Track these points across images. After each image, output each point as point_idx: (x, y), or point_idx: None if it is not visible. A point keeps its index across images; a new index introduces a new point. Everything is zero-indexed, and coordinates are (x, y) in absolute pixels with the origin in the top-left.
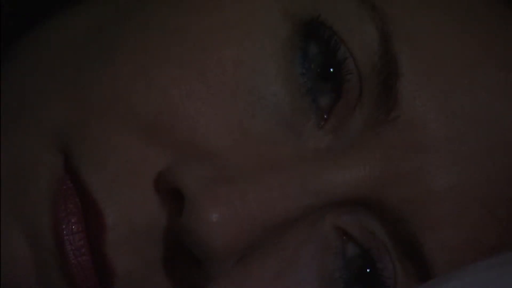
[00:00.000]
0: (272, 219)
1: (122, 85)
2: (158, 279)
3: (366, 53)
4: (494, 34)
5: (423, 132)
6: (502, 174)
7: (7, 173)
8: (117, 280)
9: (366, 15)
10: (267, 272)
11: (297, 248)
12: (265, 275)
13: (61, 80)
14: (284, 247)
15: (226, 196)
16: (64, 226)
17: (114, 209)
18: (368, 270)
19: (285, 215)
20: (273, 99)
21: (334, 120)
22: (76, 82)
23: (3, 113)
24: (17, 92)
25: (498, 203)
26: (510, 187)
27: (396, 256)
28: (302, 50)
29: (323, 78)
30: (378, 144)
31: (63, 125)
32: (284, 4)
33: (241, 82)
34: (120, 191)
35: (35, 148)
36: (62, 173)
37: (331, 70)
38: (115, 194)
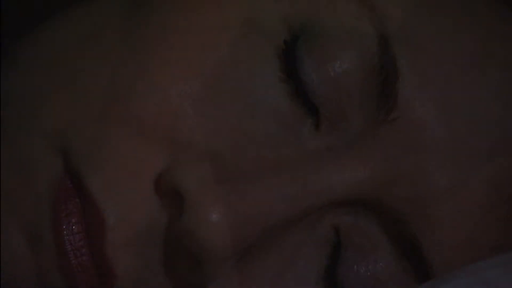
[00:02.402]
0: (272, 219)
1: (122, 85)
2: (158, 279)
3: (365, 54)
4: (493, 34)
5: (423, 132)
6: (502, 174)
7: (7, 173)
8: (117, 280)
9: (365, 16)
10: (266, 272)
11: (297, 248)
12: (265, 275)
13: (61, 80)
14: (284, 247)
15: (226, 197)
16: (64, 227)
17: (114, 210)
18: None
19: (284, 215)
20: (272, 100)
21: (327, 123)
22: (76, 82)
23: (3, 114)
24: (17, 92)
25: (498, 203)
26: (510, 187)
27: (395, 256)
28: (293, 56)
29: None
30: (378, 144)
31: (63, 126)
32: (284, 6)
33: (240, 83)
34: (120, 191)
35: (35, 148)
36: (62, 173)
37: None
38: (115, 194)
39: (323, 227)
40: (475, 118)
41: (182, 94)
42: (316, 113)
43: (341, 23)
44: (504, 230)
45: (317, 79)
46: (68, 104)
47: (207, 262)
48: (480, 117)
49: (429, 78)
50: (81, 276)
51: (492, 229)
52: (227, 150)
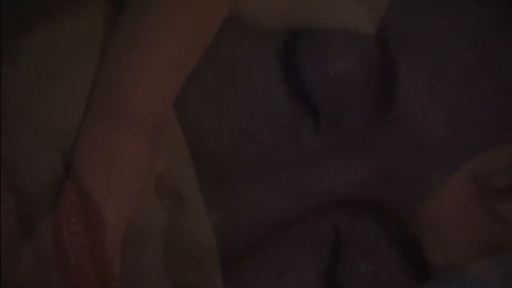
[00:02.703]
0: (271, 219)
1: (120, 85)
2: (158, 280)
3: (364, 54)
4: (493, 34)
5: (423, 132)
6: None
7: (6, 173)
8: (116, 280)
9: (365, 16)
10: (266, 273)
11: (296, 248)
12: (264, 276)
13: (60, 80)
14: (284, 248)
15: (225, 197)
16: (64, 227)
17: (114, 210)
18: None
19: (284, 216)
20: (271, 100)
21: (327, 123)
22: (74, 82)
23: (2, 113)
24: (17, 92)
25: (498, 202)
26: (509, 185)
27: (395, 256)
28: (293, 56)
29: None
30: (378, 144)
31: (62, 126)
32: (284, 6)
33: (239, 83)
34: (120, 191)
35: (34, 148)
36: (61, 173)
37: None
38: (115, 194)
39: (323, 227)
40: (474, 117)
41: (181, 94)
42: (316, 113)
43: (340, 23)
44: (504, 231)
45: (317, 79)
46: (67, 104)
47: (206, 262)
48: (480, 117)
49: (428, 78)
50: (81, 277)
51: (493, 229)
52: (226, 150)
